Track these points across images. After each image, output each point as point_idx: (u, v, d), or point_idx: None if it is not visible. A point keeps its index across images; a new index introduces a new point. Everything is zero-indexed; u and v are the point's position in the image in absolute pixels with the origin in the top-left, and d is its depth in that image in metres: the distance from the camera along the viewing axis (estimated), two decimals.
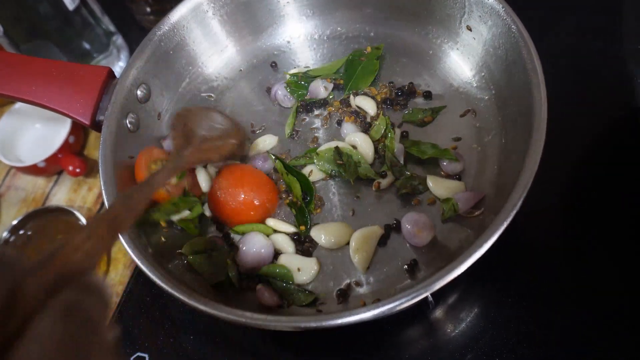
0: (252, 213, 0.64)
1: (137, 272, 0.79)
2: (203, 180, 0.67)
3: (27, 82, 0.64)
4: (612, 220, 0.68)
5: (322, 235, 0.63)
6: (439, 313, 0.66)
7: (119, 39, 0.98)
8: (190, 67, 0.75)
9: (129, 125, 0.66)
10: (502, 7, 0.61)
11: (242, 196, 0.64)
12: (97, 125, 0.64)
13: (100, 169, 0.61)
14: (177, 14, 0.71)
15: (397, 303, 0.49)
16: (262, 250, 0.62)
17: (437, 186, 0.64)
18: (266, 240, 0.63)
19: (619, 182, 0.70)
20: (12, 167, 0.94)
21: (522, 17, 0.62)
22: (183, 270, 0.61)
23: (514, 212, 0.50)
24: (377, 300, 0.51)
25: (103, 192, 0.59)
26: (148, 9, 0.96)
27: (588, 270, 0.65)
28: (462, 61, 0.71)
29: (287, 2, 0.76)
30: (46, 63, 0.66)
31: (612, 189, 0.70)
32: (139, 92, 0.68)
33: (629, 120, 0.74)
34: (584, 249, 0.67)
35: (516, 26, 0.59)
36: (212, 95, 0.76)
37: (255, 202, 0.64)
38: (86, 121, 0.64)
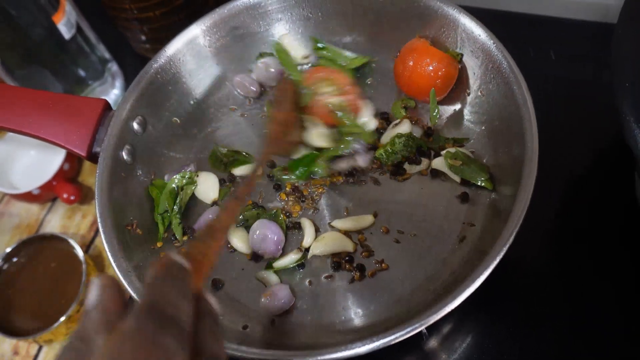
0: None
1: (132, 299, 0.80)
2: None
3: (24, 114, 0.65)
4: (604, 250, 0.69)
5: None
6: (433, 343, 0.66)
7: (114, 66, 0.99)
8: (186, 99, 0.76)
9: (125, 157, 0.67)
10: (494, 43, 0.62)
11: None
12: (93, 157, 0.65)
13: (96, 201, 0.61)
14: (173, 47, 0.72)
15: (392, 337, 0.50)
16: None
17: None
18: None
19: (608, 211, 0.71)
20: (5, 194, 0.94)
21: (512, 45, 0.63)
22: None
23: (507, 246, 0.51)
24: (372, 334, 0.52)
25: (99, 224, 0.60)
26: (143, 37, 0.97)
27: (581, 302, 0.66)
28: (454, 94, 0.72)
29: (281, 36, 0.77)
30: (42, 95, 0.67)
31: (601, 219, 0.71)
32: (135, 124, 0.69)
33: (617, 149, 0.75)
34: (576, 281, 0.68)
35: (507, 62, 0.61)
36: (213, 120, 0.78)
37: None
38: (83, 153, 0.64)
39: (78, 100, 0.67)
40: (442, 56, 0.67)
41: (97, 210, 0.61)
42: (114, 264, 0.58)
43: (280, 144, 0.67)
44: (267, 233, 0.66)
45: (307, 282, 0.65)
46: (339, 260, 0.65)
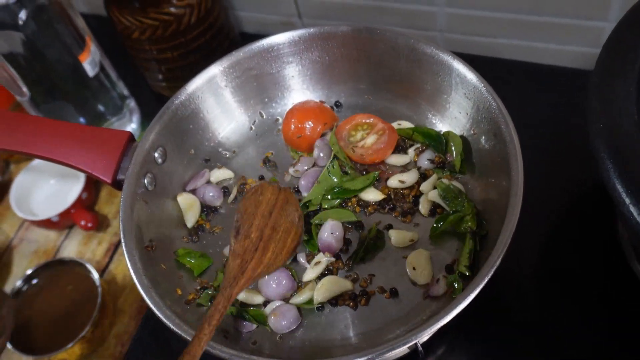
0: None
1: (145, 321, 0.84)
2: None
3: (56, 143, 0.70)
4: (585, 283, 0.74)
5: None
6: None
7: (131, 103, 1.05)
8: (203, 133, 0.82)
9: (146, 184, 0.73)
10: (484, 86, 0.68)
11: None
12: (117, 184, 0.70)
13: (120, 223, 0.66)
14: (193, 85, 0.78)
15: (388, 347, 0.54)
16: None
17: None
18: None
19: (591, 248, 0.77)
20: (25, 220, 1.00)
21: (504, 90, 0.69)
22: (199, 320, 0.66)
23: (494, 268, 0.56)
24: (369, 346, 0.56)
25: (123, 244, 0.65)
26: (160, 76, 1.03)
27: (564, 332, 0.71)
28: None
29: (292, 77, 0.83)
30: (72, 126, 0.72)
31: (585, 253, 0.76)
32: (156, 155, 0.74)
33: (597, 190, 0.81)
34: (559, 313, 0.73)
35: (496, 103, 0.67)
36: (227, 152, 0.83)
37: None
38: (108, 180, 0.70)
39: (104, 131, 0.72)
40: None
41: (121, 232, 0.66)
42: (136, 280, 0.62)
43: (246, 276, 0.61)
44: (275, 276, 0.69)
45: None
46: (342, 302, 0.68)
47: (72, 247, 0.99)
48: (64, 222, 0.96)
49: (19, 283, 0.88)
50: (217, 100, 0.81)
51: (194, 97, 0.78)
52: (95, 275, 0.86)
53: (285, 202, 0.68)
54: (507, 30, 0.94)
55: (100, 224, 0.99)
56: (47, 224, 0.96)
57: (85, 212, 0.96)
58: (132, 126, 1.05)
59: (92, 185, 1.00)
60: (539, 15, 0.89)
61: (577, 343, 0.70)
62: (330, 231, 0.70)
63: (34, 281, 0.89)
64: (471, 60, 0.72)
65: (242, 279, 0.60)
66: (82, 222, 0.95)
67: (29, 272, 0.88)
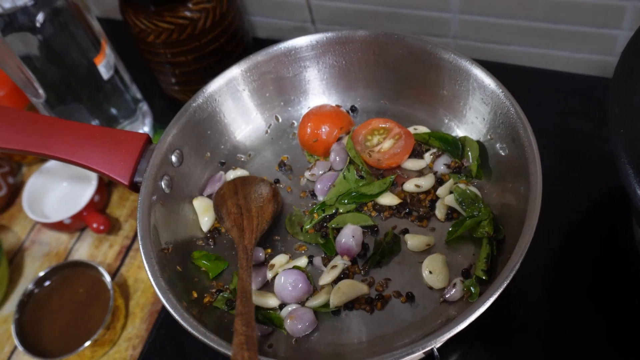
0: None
1: (158, 325, 0.84)
2: None
3: (73, 145, 0.71)
4: (599, 294, 0.74)
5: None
6: None
7: (144, 106, 1.06)
8: (220, 136, 0.82)
9: (163, 186, 0.73)
10: (502, 92, 0.69)
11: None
12: (135, 186, 0.70)
13: (138, 225, 0.67)
14: (211, 87, 0.78)
15: (404, 352, 0.54)
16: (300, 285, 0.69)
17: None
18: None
19: (608, 257, 0.77)
20: (37, 223, 1.00)
21: (518, 95, 0.69)
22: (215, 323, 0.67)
23: (514, 272, 0.56)
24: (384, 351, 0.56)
25: (140, 246, 0.65)
26: (174, 80, 1.03)
27: (576, 341, 0.72)
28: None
29: (308, 81, 0.84)
30: (90, 128, 0.73)
31: (600, 260, 0.76)
32: (173, 157, 0.75)
33: (612, 197, 0.81)
34: (573, 323, 0.73)
35: (514, 108, 0.67)
36: (242, 156, 0.84)
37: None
38: (125, 182, 0.70)
39: (122, 133, 0.73)
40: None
41: (138, 234, 0.66)
42: (153, 282, 0.62)
43: (248, 230, 0.71)
44: (291, 279, 0.69)
45: None
46: (358, 306, 0.68)
47: (84, 249, 0.98)
48: (76, 224, 0.96)
49: (30, 285, 0.87)
50: (234, 103, 0.81)
51: (212, 100, 0.78)
52: (108, 278, 0.86)
53: (241, 182, 0.78)
54: (520, 37, 0.94)
55: (112, 227, 0.99)
56: (59, 226, 0.96)
57: (97, 215, 0.96)
58: (145, 129, 1.05)
59: (104, 188, 1.00)
60: (553, 23, 0.89)
61: (593, 355, 0.70)
62: (351, 235, 0.70)
63: (46, 283, 0.89)
64: (487, 67, 0.72)
65: (245, 234, 0.70)
66: (95, 225, 0.95)
67: (41, 274, 0.88)
